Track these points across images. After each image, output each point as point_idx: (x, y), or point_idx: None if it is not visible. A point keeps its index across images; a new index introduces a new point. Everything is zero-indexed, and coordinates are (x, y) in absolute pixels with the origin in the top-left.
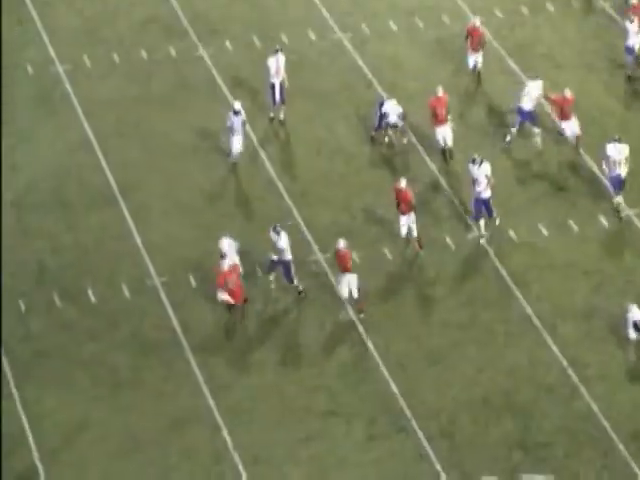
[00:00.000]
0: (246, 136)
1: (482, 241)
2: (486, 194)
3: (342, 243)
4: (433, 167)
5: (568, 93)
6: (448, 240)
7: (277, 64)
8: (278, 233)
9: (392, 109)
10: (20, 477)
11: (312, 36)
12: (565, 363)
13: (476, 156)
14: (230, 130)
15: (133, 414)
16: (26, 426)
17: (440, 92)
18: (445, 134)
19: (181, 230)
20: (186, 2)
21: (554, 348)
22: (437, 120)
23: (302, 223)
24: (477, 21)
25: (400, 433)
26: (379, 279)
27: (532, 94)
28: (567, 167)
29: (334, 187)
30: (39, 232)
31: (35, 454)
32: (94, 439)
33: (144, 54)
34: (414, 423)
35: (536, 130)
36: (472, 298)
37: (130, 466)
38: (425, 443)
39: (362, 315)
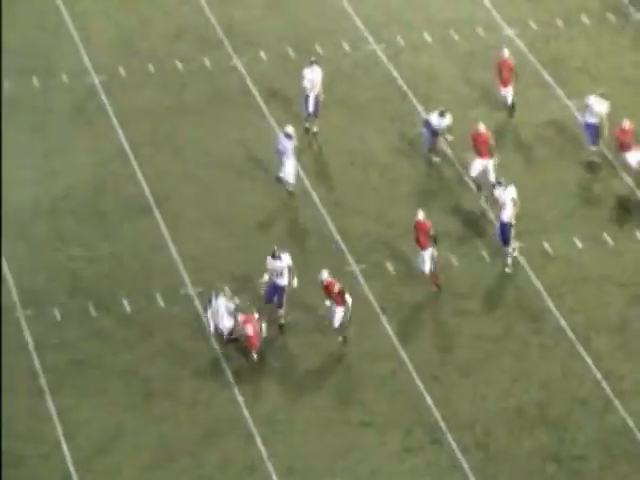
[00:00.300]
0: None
1: (508, 268)
2: (511, 219)
3: (325, 274)
4: (468, 179)
5: (627, 124)
6: (483, 252)
7: (312, 76)
8: (279, 258)
9: (432, 117)
10: None
11: (346, 47)
12: (599, 376)
13: (502, 179)
14: (281, 153)
15: (167, 424)
16: (61, 434)
17: (482, 128)
18: (488, 167)
19: (215, 240)
20: (221, 13)
21: (588, 361)
22: (480, 155)
23: (337, 233)
24: (506, 53)
25: (434, 444)
26: (413, 290)
27: (594, 109)
28: (602, 181)
29: (368, 198)
30: (75, 240)
31: (69, 462)
32: (128, 448)
33: (179, 65)
34: (448, 434)
35: (592, 148)
36: (506, 310)
37: (164, 476)
38: (459, 454)
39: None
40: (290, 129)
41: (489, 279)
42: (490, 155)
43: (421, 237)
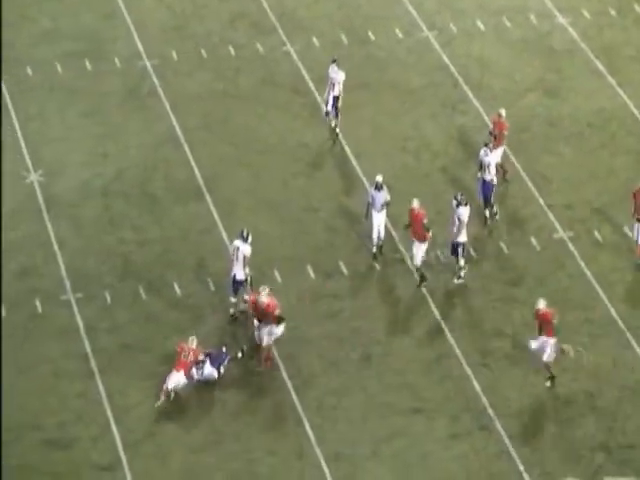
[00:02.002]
0: (335, 134)
1: (455, 281)
2: (459, 238)
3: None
4: (518, 166)
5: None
6: (533, 240)
7: (332, 75)
8: (246, 239)
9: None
10: (104, 467)
11: (399, 34)
12: None
13: (459, 196)
14: (370, 206)
15: (216, 407)
16: (110, 417)
17: (415, 204)
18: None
19: (266, 225)
20: None
21: (638, 350)
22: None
23: (387, 219)
24: (503, 112)
25: (482, 431)
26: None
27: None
28: None
29: (419, 184)
30: (126, 223)
31: (119, 445)
32: (177, 432)
33: (232, 50)
34: (497, 421)
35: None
36: (556, 298)
37: (212, 460)
38: (507, 442)
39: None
40: (380, 178)
41: (539, 267)
42: (422, 239)
43: (258, 315)
